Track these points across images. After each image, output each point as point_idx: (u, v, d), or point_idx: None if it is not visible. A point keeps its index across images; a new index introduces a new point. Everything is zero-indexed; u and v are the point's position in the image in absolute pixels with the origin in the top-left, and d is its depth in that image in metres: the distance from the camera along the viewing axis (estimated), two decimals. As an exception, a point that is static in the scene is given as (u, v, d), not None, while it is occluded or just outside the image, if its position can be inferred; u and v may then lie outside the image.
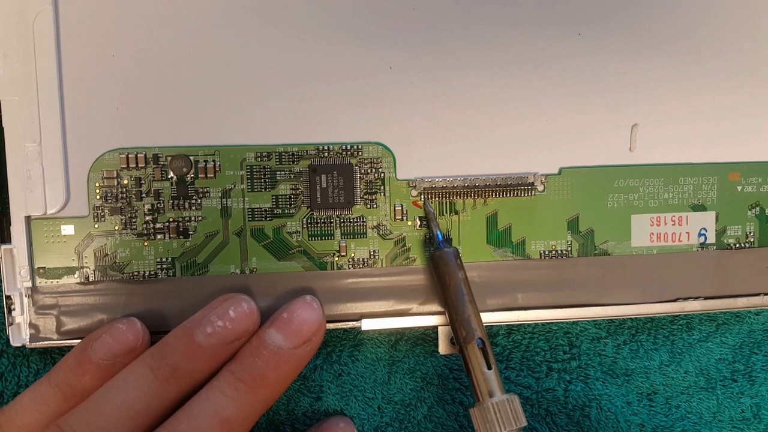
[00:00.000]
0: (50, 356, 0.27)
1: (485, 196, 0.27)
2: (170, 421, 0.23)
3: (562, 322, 0.29)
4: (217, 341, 0.24)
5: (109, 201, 0.26)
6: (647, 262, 0.28)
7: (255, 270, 0.26)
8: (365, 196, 0.27)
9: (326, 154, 0.26)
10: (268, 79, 0.26)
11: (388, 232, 0.27)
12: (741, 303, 0.28)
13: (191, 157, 0.26)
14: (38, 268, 0.26)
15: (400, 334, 0.29)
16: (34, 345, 0.26)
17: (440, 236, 0.26)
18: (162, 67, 0.26)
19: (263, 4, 0.26)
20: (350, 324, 0.27)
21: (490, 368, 0.25)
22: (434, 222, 0.27)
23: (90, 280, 0.26)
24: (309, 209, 0.27)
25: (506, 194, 0.27)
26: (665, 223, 0.28)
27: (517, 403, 0.24)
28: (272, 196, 0.26)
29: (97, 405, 0.23)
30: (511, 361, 0.29)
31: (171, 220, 0.26)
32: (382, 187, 0.27)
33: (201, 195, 0.26)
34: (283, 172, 0.26)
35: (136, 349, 0.24)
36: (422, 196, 0.27)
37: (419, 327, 0.27)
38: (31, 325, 0.26)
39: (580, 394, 0.29)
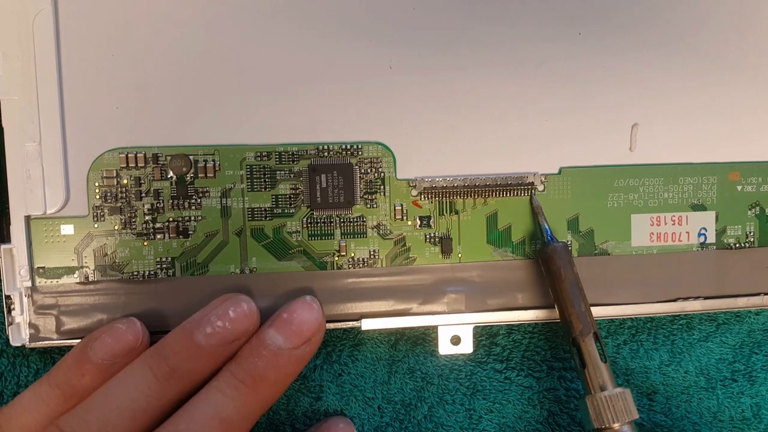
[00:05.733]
0: (50, 356, 0.27)
1: (485, 195, 0.27)
2: (170, 422, 0.23)
3: (562, 322, 0.29)
4: (217, 341, 0.24)
5: (109, 201, 0.26)
6: (647, 262, 0.28)
7: (255, 270, 0.26)
8: (365, 196, 0.27)
9: (326, 154, 0.26)
10: (268, 78, 0.26)
11: (388, 231, 0.27)
12: (741, 303, 0.28)
13: (191, 157, 0.26)
14: (38, 267, 0.25)
15: (400, 334, 0.29)
16: (33, 345, 0.26)
17: (549, 231, 0.27)
18: (162, 67, 0.26)
19: (263, 4, 0.26)
20: (350, 324, 0.27)
21: (605, 361, 0.25)
22: (543, 217, 0.27)
23: (90, 279, 0.26)
24: (309, 209, 0.27)
25: (506, 194, 0.27)
26: (665, 223, 0.28)
27: (629, 397, 0.25)
28: (272, 195, 0.26)
29: (97, 405, 0.23)
30: (511, 361, 0.29)
31: (171, 219, 0.26)
32: (382, 187, 0.27)
33: (201, 195, 0.26)
34: (283, 172, 0.26)
35: (136, 350, 0.24)
36: (531, 193, 0.27)
37: (419, 327, 0.27)
38: (31, 325, 0.26)
39: (582, 393, 0.29)
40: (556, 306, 0.26)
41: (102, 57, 0.25)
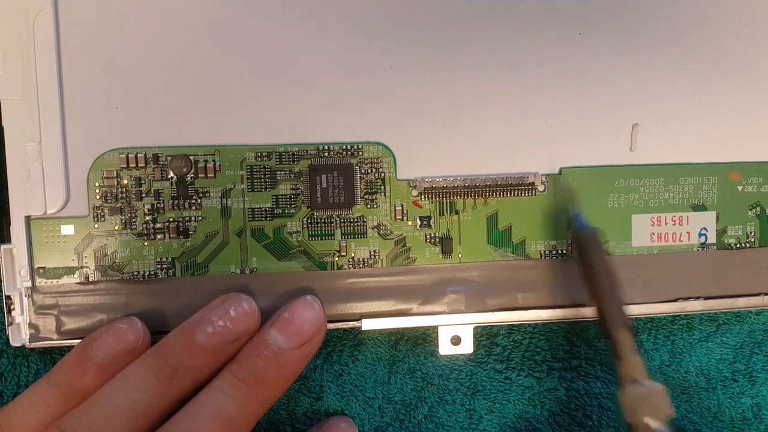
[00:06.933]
0: (50, 356, 0.27)
1: (485, 196, 0.27)
2: (171, 422, 0.23)
3: (562, 322, 0.29)
4: (218, 341, 0.23)
5: (109, 201, 0.26)
6: (647, 262, 0.28)
7: (255, 270, 0.26)
8: (365, 196, 0.27)
9: (326, 154, 0.26)
10: (268, 78, 0.26)
11: (389, 232, 0.27)
12: (741, 303, 0.28)
13: (191, 157, 0.26)
14: (38, 267, 0.25)
15: (400, 334, 0.29)
16: (33, 345, 0.26)
17: (583, 216, 0.26)
18: (162, 67, 0.26)
19: (262, 4, 0.26)
20: (350, 324, 0.27)
21: (639, 354, 0.25)
22: (577, 202, 0.27)
23: (90, 280, 0.26)
24: (309, 209, 0.27)
25: (506, 194, 0.27)
26: (666, 223, 0.28)
27: (664, 392, 0.24)
28: (272, 196, 0.26)
29: (98, 405, 0.23)
30: (512, 361, 0.29)
31: (171, 220, 0.26)
32: (382, 187, 0.27)
33: (201, 195, 0.26)
34: (283, 172, 0.26)
35: (137, 349, 0.24)
36: (567, 181, 0.27)
37: (419, 327, 0.27)
38: (31, 325, 0.26)
39: (582, 393, 0.29)
40: (589, 296, 0.26)
41: (102, 57, 0.25)
